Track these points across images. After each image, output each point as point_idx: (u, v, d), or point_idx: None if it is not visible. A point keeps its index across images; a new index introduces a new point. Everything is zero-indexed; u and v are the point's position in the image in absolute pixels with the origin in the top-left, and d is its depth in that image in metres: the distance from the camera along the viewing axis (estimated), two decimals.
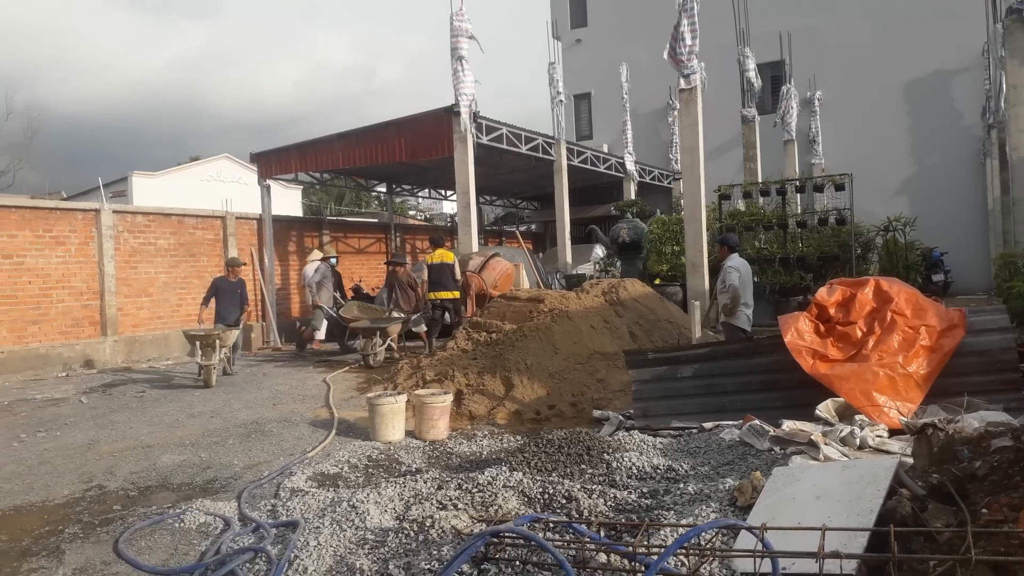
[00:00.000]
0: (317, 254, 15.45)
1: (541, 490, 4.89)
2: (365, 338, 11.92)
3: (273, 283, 17.01)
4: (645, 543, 3.62)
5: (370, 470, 6.13)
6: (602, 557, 3.68)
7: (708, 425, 6.24)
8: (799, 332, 6.27)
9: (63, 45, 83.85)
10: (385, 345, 11.93)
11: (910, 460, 4.29)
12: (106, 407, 9.21)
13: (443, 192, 24.69)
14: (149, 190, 28.77)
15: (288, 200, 30.66)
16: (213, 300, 11.74)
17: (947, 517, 3.48)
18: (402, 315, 12.55)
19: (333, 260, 14.96)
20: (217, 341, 10.70)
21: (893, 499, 3.67)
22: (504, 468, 5.48)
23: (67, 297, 13.01)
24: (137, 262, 14.25)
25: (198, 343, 10.66)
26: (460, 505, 4.74)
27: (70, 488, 5.84)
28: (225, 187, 30.41)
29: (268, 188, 17.55)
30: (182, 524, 4.91)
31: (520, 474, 5.27)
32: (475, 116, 14.34)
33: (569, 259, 19.20)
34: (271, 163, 17.51)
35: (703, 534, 3.79)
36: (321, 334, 14.14)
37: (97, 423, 8.23)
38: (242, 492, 5.49)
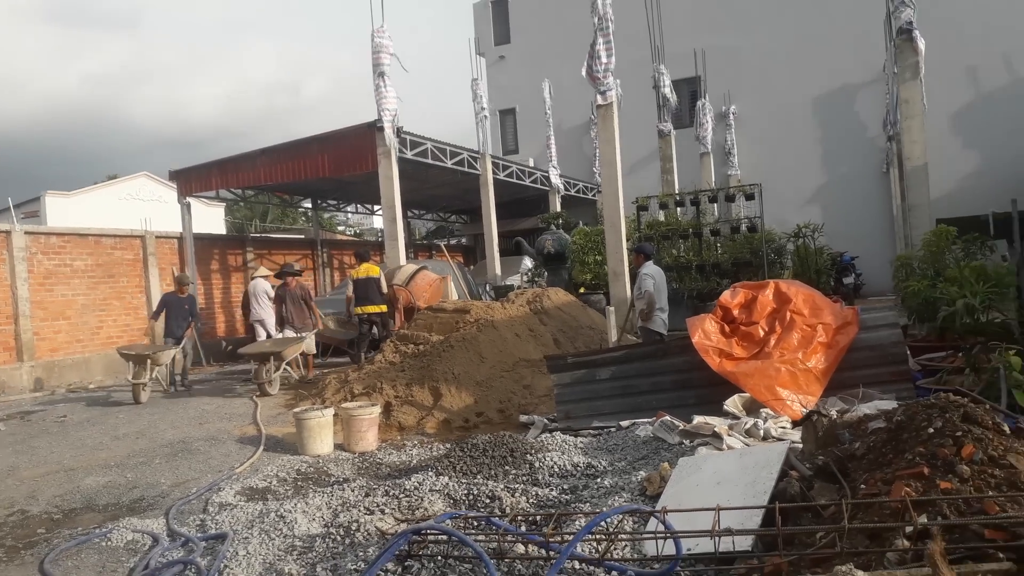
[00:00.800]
0: (263, 270, 15.33)
1: (466, 492, 5.10)
2: (258, 364, 10.87)
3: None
4: (559, 532, 3.86)
5: (299, 483, 6.21)
6: (520, 548, 3.91)
7: (625, 423, 6.56)
8: (706, 333, 6.66)
9: None
10: (280, 370, 11.06)
11: (800, 445, 4.66)
12: (25, 433, 8.98)
13: (370, 207, 24.70)
14: (64, 210, 27.85)
15: (210, 218, 30.07)
16: (163, 314, 12.09)
17: (830, 494, 3.83)
18: (301, 335, 11.89)
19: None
20: (148, 360, 10.88)
21: (784, 481, 4.01)
22: (430, 473, 5.66)
23: None
24: (53, 284, 13.85)
25: (131, 362, 10.89)
26: (387, 510, 4.92)
27: None
28: (145, 206, 29.60)
29: (188, 206, 17.28)
30: (109, 543, 4.92)
31: (446, 478, 5.47)
32: (399, 131, 14.50)
33: (498, 271, 19.47)
34: (191, 180, 17.26)
35: (616, 521, 4.06)
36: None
37: (16, 449, 8.04)
38: (170, 509, 5.51)
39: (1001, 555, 2.91)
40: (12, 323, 13.03)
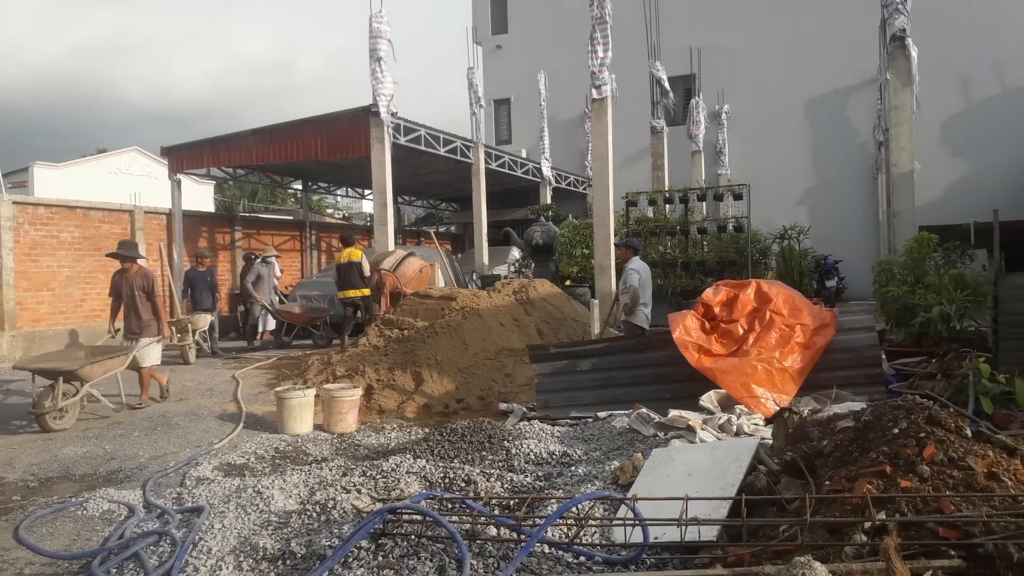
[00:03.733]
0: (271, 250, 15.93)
1: (442, 475, 5.17)
2: (46, 385, 7.56)
3: (182, 279, 16.70)
4: (531, 516, 3.94)
5: (277, 460, 6.26)
6: (492, 530, 3.98)
7: (602, 415, 6.64)
8: (686, 329, 6.75)
9: None
10: (79, 396, 7.63)
11: (770, 441, 4.76)
12: (3, 403, 8.98)
13: (361, 191, 24.66)
14: (52, 182, 27.61)
15: (200, 195, 29.95)
16: (190, 291, 13.43)
17: (796, 489, 3.93)
18: (133, 343, 8.73)
19: (271, 259, 15.11)
20: (189, 324, 12.68)
21: (753, 475, 4.11)
22: (408, 456, 5.73)
23: None
24: (39, 255, 13.78)
25: (173, 328, 12.20)
26: (363, 489, 4.98)
27: None
28: (134, 180, 29.43)
29: (179, 183, 17.23)
30: (85, 512, 4.97)
31: (423, 461, 5.54)
32: (393, 116, 14.50)
33: (486, 260, 19.52)
34: (182, 157, 17.20)
35: (587, 508, 4.14)
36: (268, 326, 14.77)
37: None
38: (147, 481, 5.56)
39: (953, 553, 3.01)
40: None
